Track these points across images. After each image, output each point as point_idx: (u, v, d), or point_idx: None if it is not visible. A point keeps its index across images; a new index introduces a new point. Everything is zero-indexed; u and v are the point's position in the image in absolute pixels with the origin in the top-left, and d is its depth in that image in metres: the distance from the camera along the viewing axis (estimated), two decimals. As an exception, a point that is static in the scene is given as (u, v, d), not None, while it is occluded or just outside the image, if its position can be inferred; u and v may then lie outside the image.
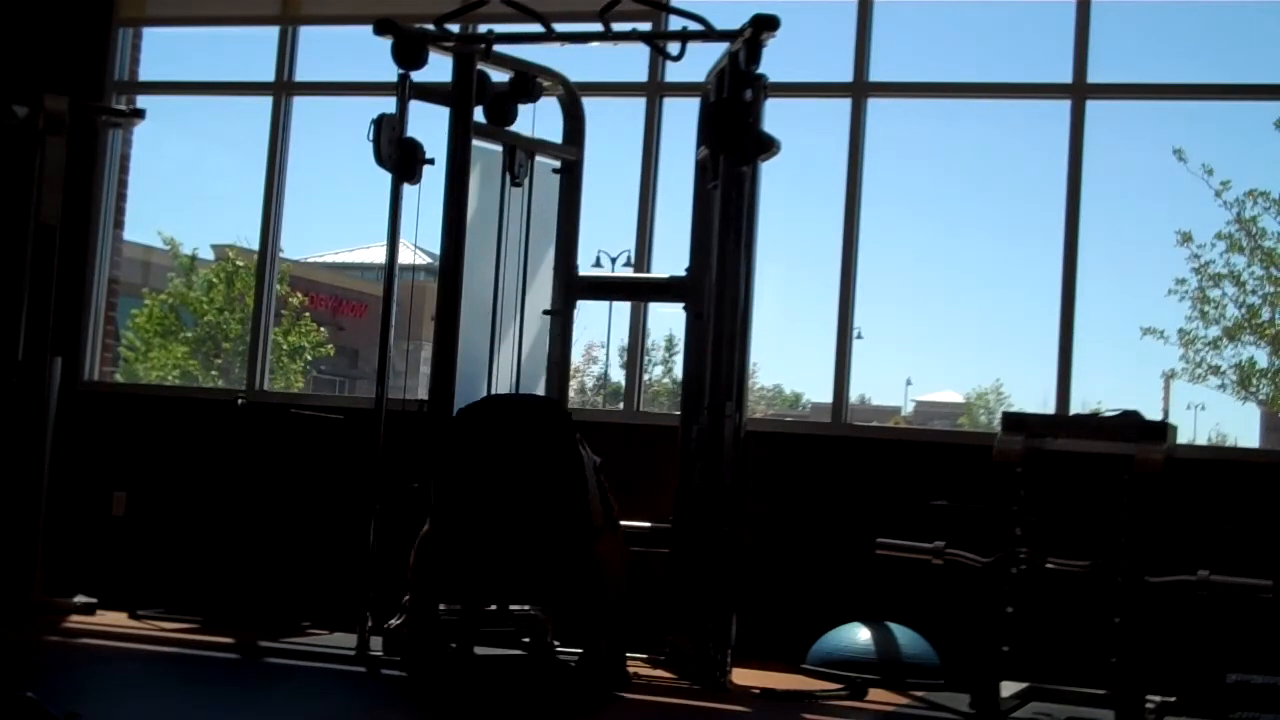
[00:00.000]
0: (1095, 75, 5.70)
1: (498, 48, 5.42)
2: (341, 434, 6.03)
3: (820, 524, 5.67)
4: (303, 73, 6.66)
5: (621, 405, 6.14)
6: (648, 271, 6.05)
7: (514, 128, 5.56)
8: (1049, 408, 5.74)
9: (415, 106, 5.32)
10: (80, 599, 5.83)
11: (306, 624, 5.77)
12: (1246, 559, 4.89)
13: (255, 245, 6.83)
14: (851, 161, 5.90)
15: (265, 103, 6.63)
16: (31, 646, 4.97)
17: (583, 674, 4.74)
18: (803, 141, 6.75)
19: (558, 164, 5.76)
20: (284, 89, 6.61)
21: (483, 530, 4.72)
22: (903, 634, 5.21)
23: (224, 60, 7.58)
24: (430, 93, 5.39)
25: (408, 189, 5.30)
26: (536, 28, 5.38)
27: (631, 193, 6.12)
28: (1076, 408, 5.66)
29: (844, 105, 5.95)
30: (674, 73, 5.97)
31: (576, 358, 5.44)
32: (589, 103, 5.83)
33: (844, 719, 4.48)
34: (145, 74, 7.07)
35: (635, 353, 6.20)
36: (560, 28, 5.42)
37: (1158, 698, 4.59)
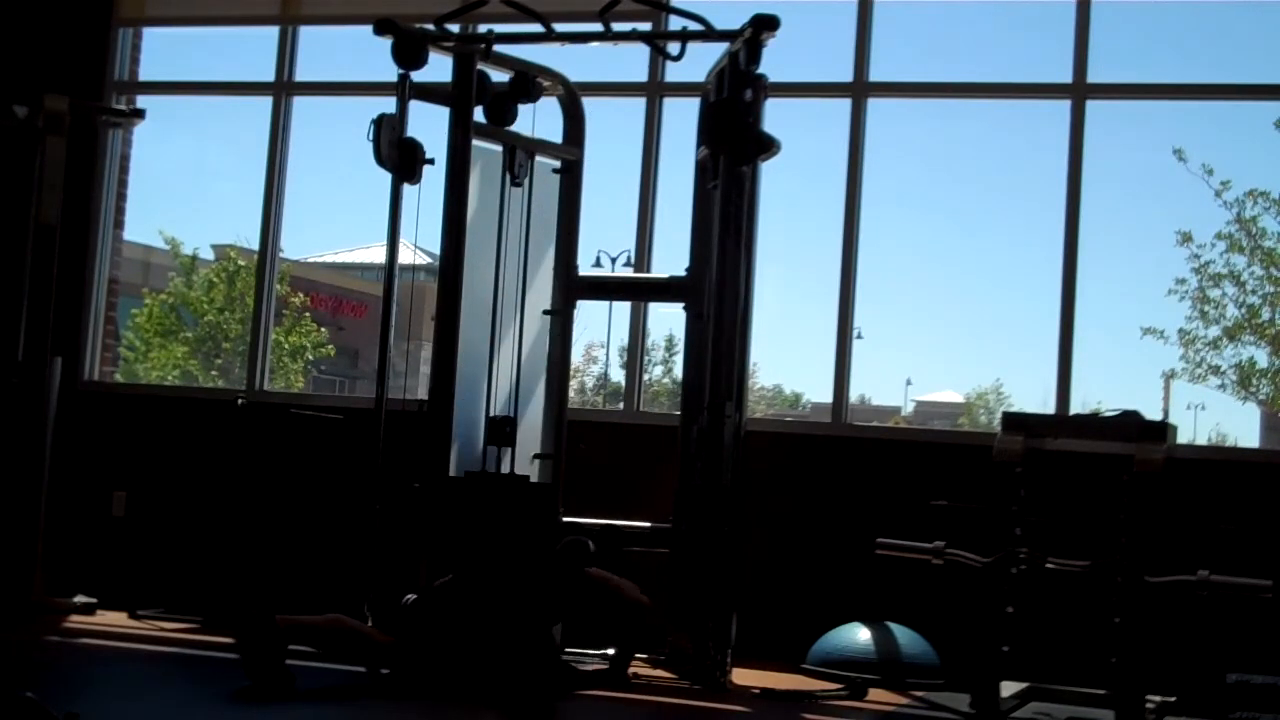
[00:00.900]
0: (1095, 75, 5.70)
1: (498, 48, 5.42)
2: (341, 434, 6.02)
3: (820, 524, 5.67)
4: (303, 73, 6.66)
5: (621, 405, 6.15)
6: (648, 271, 6.05)
7: (514, 128, 5.56)
8: (1049, 408, 5.74)
9: (415, 106, 5.32)
10: (80, 599, 5.84)
11: (306, 624, 5.77)
12: (1246, 559, 4.89)
13: (255, 245, 6.84)
14: (851, 161, 5.90)
15: (265, 103, 6.63)
16: (31, 646, 4.97)
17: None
18: (803, 141, 6.75)
19: (558, 164, 5.76)
20: (284, 89, 6.61)
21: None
22: (903, 634, 5.21)
23: (224, 60, 7.58)
24: (430, 93, 5.39)
25: (408, 189, 5.30)
26: (536, 28, 5.38)
27: (631, 193, 6.12)
28: (1076, 408, 5.66)
29: (844, 105, 5.95)
30: (674, 73, 5.97)
31: (576, 358, 5.45)
32: (589, 103, 5.82)
33: (844, 719, 4.48)
34: (145, 74, 7.07)
35: (635, 353, 6.20)
36: (560, 28, 5.42)
37: (1158, 698, 4.59)
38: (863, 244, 5.89)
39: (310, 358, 18.30)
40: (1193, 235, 13.42)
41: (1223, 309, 13.62)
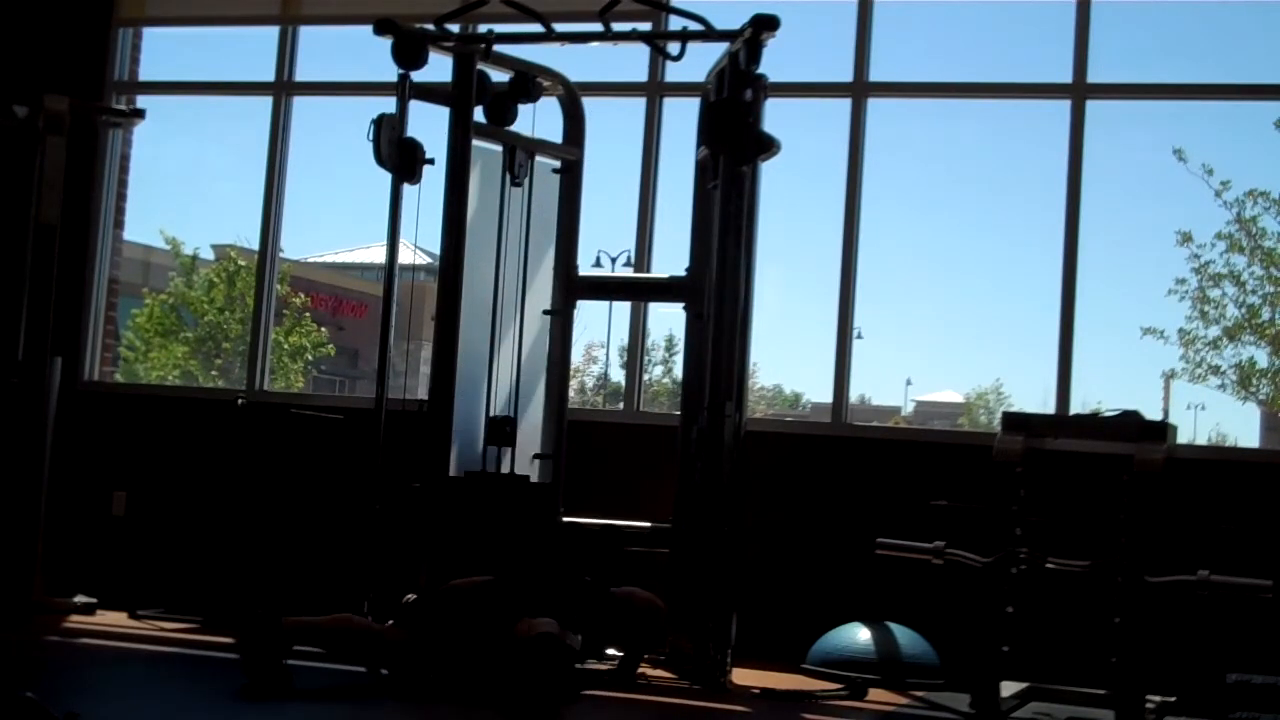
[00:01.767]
0: (1095, 75, 5.70)
1: (498, 48, 5.42)
2: (341, 434, 6.02)
3: (820, 524, 5.67)
4: (303, 73, 6.66)
5: (621, 405, 6.15)
6: (648, 271, 6.06)
7: (514, 128, 5.56)
8: (1049, 408, 5.74)
9: (415, 106, 5.32)
10: (80, 599, 5.83)
11: (306, 624, 5.77)
12: (1246, 559, 4.89)
13: (255, 245, 6.84)
14: (851, 161, 5.90)
15: (265, 103, 6.63)
16: (31, 646, 4.97)
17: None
18: (803, 141, 6.76)
19: (558, 164, 5.76)
20: (284, 89, 6.61)
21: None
22: (903, 634, 5.21)
23: (224, 60, 7.58)
24: (430, 93, 5.39)
25: (408, 189, 5.30)
26: (536, 28, 5.38)
27: (631, 193, 6.12)
28: (1076, 408, 5.66)
29: (844, 105, 5.95)
30: (674, 73, 5.97)
31: (576, 358, 5.45)
32: (589, 103, 5.83)
33: (844, 719, 4.48)
34: (145, 74, 7.07)
35: (635, 353, 6.20)
36: (560, 28, 5.42)
37: (1158, 698, 4.59)
38: (863, 244, 5.90)
39: (310, 358, 18.30)
40: (1193, 235, 13.42)
41: (1223, 309, 13.62)
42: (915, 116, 12.88)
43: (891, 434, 7.34)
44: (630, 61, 6.12)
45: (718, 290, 5.01)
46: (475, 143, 5.38)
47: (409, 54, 5.27)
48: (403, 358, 6.73)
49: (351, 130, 5.99)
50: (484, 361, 5.53)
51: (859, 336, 6.04)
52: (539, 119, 5.67)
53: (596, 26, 5.26)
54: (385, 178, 5.28)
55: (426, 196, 5.35)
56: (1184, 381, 14.14)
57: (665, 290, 5.64)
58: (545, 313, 5.72)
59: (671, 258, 7.40)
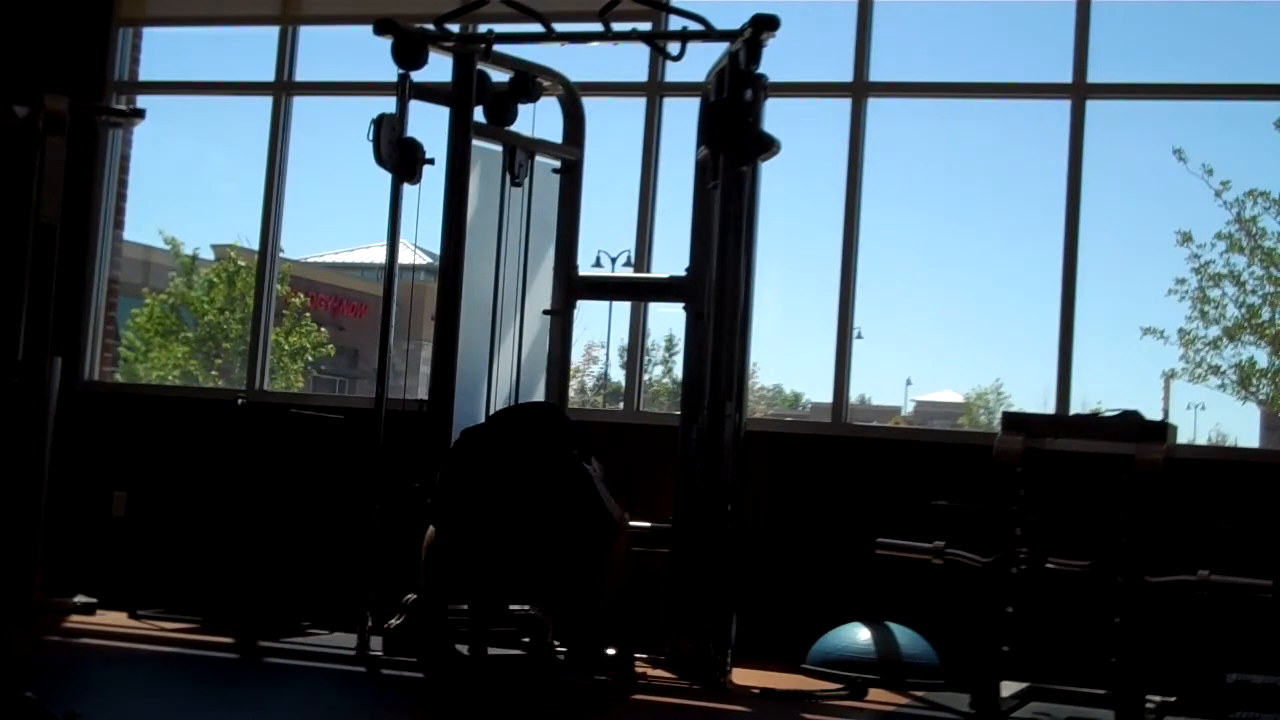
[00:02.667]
0: (1095, 75, 5.70)
1: (498, 48, 5.42)
2: (341, 434, 6.02)
3: (820, 524, 5.67)
4: (303, 73, 6.66)
5: (621, 405, 6.15)
6: (648, 271, 6.06)
7: (514, 128, 5.56)
8: (1049, 408, 5.74)
9: (415, 106, 5.32)
10: (80, 599, 5.83)
11: (306, 624, 5.77)
12: (1246, 559, 4.89)
13: (255, 245, 6.84)
14: (851, 161, 5.90)
15: (265, 103, 6.63)
16: (31, 646, 4.97)
17: (589, 670, 4.79)
18: (803, 141, 6.75)
19: (558, 164, 5.76)
20: (284, 89, 6.61)
21: (494, 533, 4.69)
22: (903, 634, 5.21)
23: (224, 60, 7.58)
24: (430, 93, 5.39)
25: (408, 189, 5.30)
26: (536, 28, 5.38)
27: (631, 193, 6.12)
28: (1076, 408, 5.66)
29: (844, 105, 5.94)
30: (674, 73, 5.97)
31: (576, 358, 5.45)
32: (589, 103, 5.83)
33: (844, 719, 4.48)
34: (145, 74, 7.07)
35: (635, 353, 6.20)
36: (560, 28, 5.42)
37: (1158, 698, 4.59)
38: (863, 244, 5.89)
39: (310, 358, 18.30)
40: (1193, 235, 13.44)
41: (1223, 309, 13.63)
42: (915, 116, 12.89)
43: (891, 434, 7.34)
44: (630, 61, 6.12)
45: (718, 290, 5.01)
46: (475, 143, 5.38)
47: (409, 54, 5.27)
48: (403, 358, 6.73)
49: (351, 130, 5.99)
50: (484, 361, 5.53)
51: (859, 336, 6.04)
52: (539, 119, 5.68)
53: (596, 26, 5.26)
54: (385, 178, 5.28)
55: (426, 196, 5.36)
56: (1184, 381, 14.16)
57: (665, 290, 5.64)
58: (545, 313, 5.72)
59: (671, 258, 7.40)
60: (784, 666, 5.24)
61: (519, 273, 5.62)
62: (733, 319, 4.98)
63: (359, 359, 22.22)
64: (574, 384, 6.18)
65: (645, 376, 6.69)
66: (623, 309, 6.07)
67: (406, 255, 5.93)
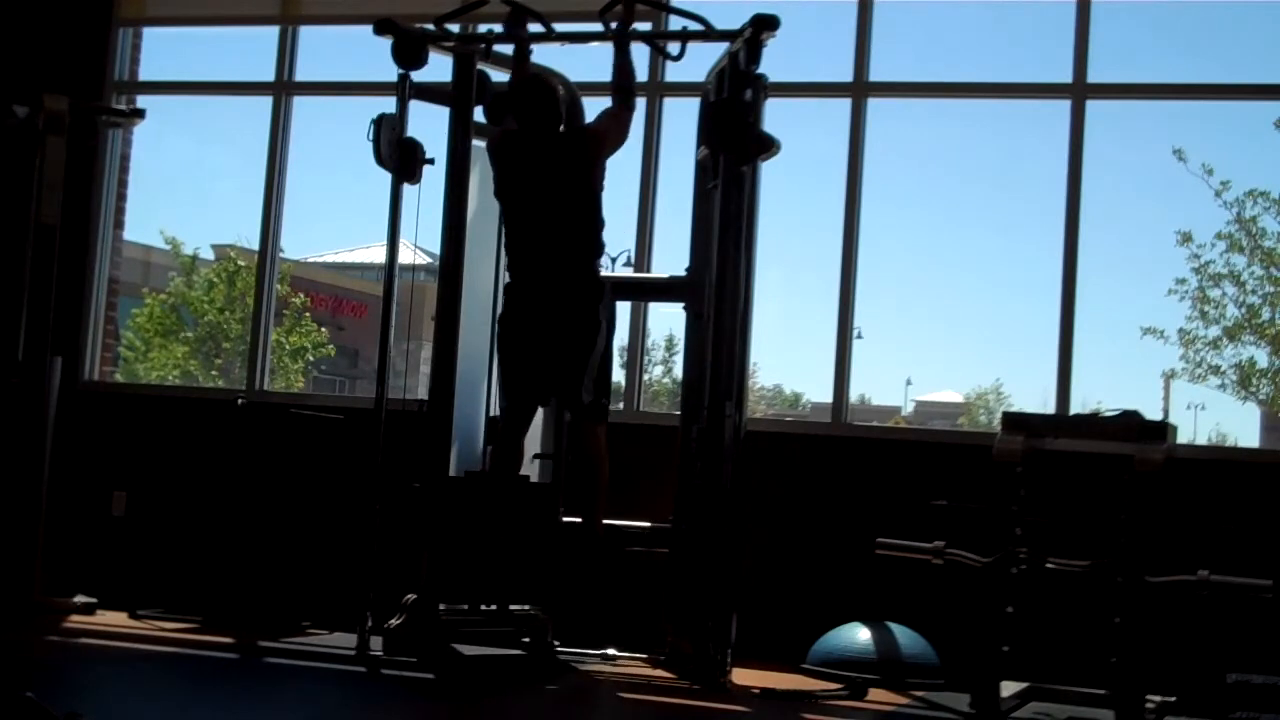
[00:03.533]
0: (1095, 75, 5.70)
1: (498, 48, 5.42)
2: (341, 434, 6.03)
3: (820, 524, 5.67)
4: (303, 73, 6.66)
5: (621, 405, 6.14)
6: (648, 271, 6.05)
7: (514, 128, 5.55)
8: (1049, 408, 5.74)
9: (415, 106, 5.32)
10: (80, 599, 5.83)
11: (306, 624, 5.77)
12: (1247, 559, 4.89)
13: (255, 245, 6.84)
14: (851, 161, 5.90)
15: (265, 103, 6.63)
16: (31, 646, 4.97)
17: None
18: (803, 141, 6.76)
19: (558, 164, 5.75)
20: (284, 89, 6.61)
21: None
22: (903, 634, 5.21)
23: (224, 60, 7.59)
24: (430, 93, 5.39)
25: (408, 189, 5.30)
26: (536, 28, 5.38)
27: (631, 193, 6.12)
28: (1076, 408, 5.66)
29: (844, 105, 5.94)
30: (674, 73, 5.97)
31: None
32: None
33: (844, 719, 4.48)
34: (145, 74, 7.06)
35: (635, 353, 6.20)
36: (560, 28, 5.42)
37: (1158, 698, 4.58)
38: (863, 244, 5.89)
39: (310, 358, 18.31)
40: (1193, 235, 13.47)
41: (1223, 309, 13.65)
42: (915, 116, 12.91)
43: (891, 434, 7.34)
44: (630, 61, 6.11)
45: (718, 290, 5.01)
46: (475, 143, 5.38)
47: (409, 54, 5.27)
48: (403, 358, 6.73)
49: (351, 130, 6.00)
50: (484, 361, 5.53)
51: (859, 336, 6.04)
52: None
53: (596, 26, 5.26)
54: (385, 178, 5.28)
55: (426, 196, 5.36)
56: (1184, 381, 14.18)
57: (665, 290, 5.64)
58: (545, 313, 5.71)
59: (671, 258, 7.41)
60: (784, 666, 5.24)
61: (519, 273, 5.61)
62: (733, 319, 4.98)
63: (359, 359, 22.24)
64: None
65: (645, 376, 6.68)
66: (623, 309, 6.06)
67: (406, 255, 5.93)
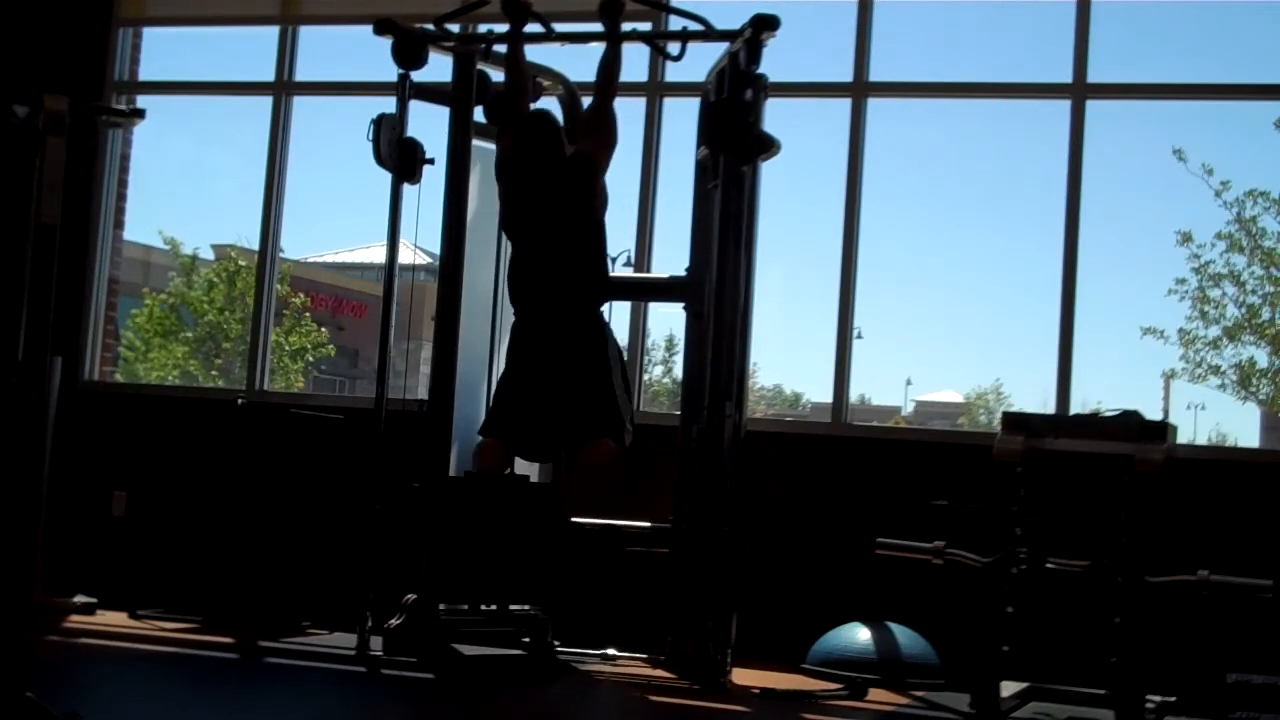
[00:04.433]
0: (1095, 75, 5.70)
1: (498, 48, 5.42)
2: (341, 434, 6.03)
3: (820, 524, 5.67)
4: (303, 73, 6.66)
5: (622, 405, 6.13)
6: (648, 271, 6.05)
7: (514, 128, 5.55)
8: (1049, 408, 5.74)
9: (415, 106, 5.32)
10: (80, 599, 5.83)
11: (306, 624, 5.77)
12: (1247, 559, 4.89)
13: (255, 245, 6.84)
14: (851, 161, 5.90)
15: (265, 103, 6.63)
16: (31, 646, 4.97)
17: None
18: (803, 141, 6.76)
19: (558, 164, 5.75)
20: (284, 89, 6.61)
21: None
22: (903, 634, 5.21)
23: (224, 60, 7.59)
24: (430, 93, 5.39)
25: (408, 189, 5.30)
26: (536, 28, 5.38)
27: (631, 193, 6.12)
28: (1076, 408, 5.66)
29: (844, 105, 5.94)
30: (674, 73, 5.97)
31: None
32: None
33: (844, 719, 4.48)
34: (145, 74, 7.07)
35: (635, 353, 6.20)
36: (560, 28, 5.42)
37: (1158, 698, 4.59)
38: (863, 244, 5.89)
39: (310, 358, 18.31)
40: (1193, 235, 13.47)
41: (1223, 309, 13.65)
42: (915, 116, 12.90)
43: (891, 434, 7.34)
44: (630, 61, 6.10)
45: (718, 290, 5.01)
46: (475, 143, 5.38)
47: (409, 54, 5.27)
48: (403, 358, 6.73)
49: (351, 130, 5.99)
50: (484, 361, 5.53)
51: (859, 336, 6.04)
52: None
53: (596, 26, 5.26)
54: (385, 178, 5.28)
55: (426, 196, 5.36)
56: (1184, 381, 14.19)
57: (665, 290, 5.64)
58: (545, 313, 5.71)
59: (671, 258, 7.41)
60: (784, 666, 5.24)
61: (519, 273, 5.60)
62: (733, 319, 4.98)
63: (359, 359, 22.24)
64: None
65: (645, 376, 6.68)
66: (623, 309, 6.07)
67: (406, 255, 5.93)
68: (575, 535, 5.27)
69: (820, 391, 9.79)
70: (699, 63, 5.41)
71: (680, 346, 6.41)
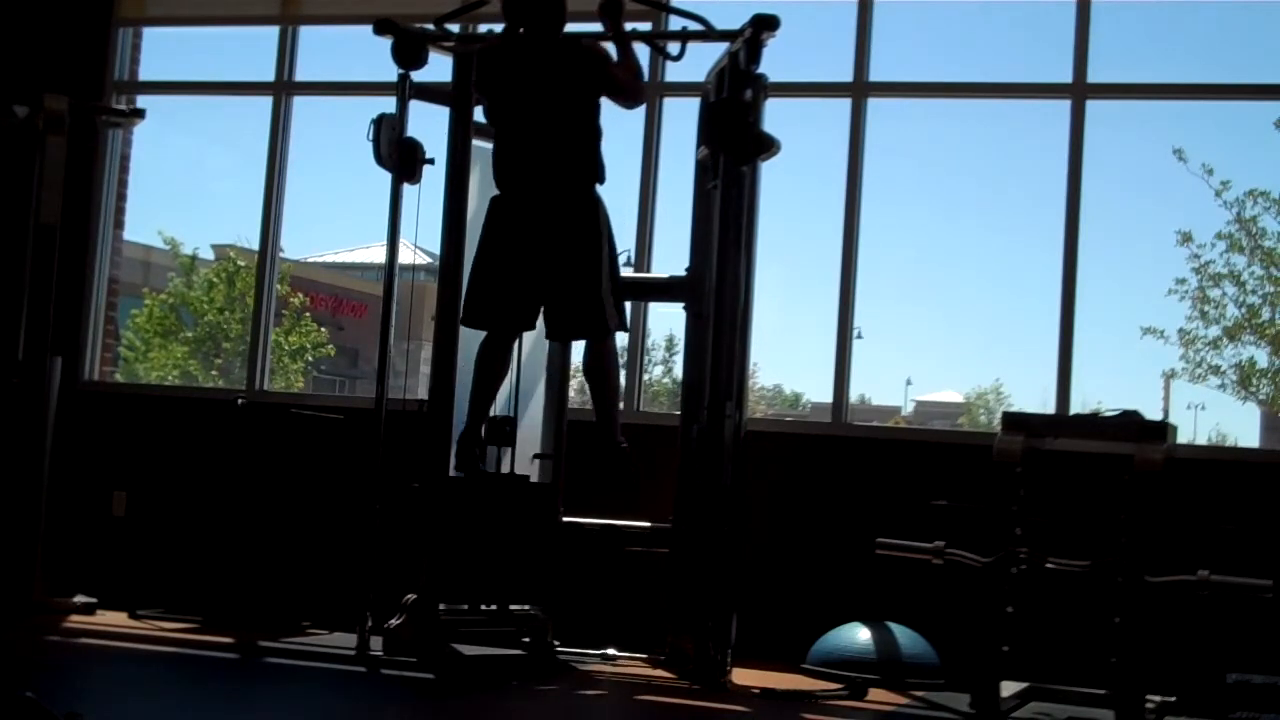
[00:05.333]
0: (1095, 75, 5.70)
1: (498, 48, 5.41)
2: (341, 434, 6.03)
3: (820, 524, 5.67)
4: (303, 73, 6.66)
5: (622, 405, 6.13)
6: (648, 271, 6.05)
7: (514, 128, 5.54)
8: (1049, 408, 5.74)
9: (415, 106, 5.32)
10: (80, 599, 5.83)
11: (306, 624, 5.78)
12: (1247, 559, 4.89)
13: (255, 245, 6.84)
14: (851, 161, 5.90)
15: (265, 103, 6.63)
16: (31, 646, 4.97)
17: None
18: (803, 141, 6.75)
19: (558, 164, 5.75)
20: (284, 89, 6.61)
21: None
22: (903, 634, 5.21)
23: (224, 60, 7.58)
24: (430, 93, 5.39)
25: (408, 189, 5.30)
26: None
27: (631, 193, 6.12)
28: (1076, 408, 5.66)
29: (844, 105, 5.94)
30: (674, 73, 5.97)
31: (576, 358, 5.44)
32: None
33: (844, 719, 4.48)
34: (145, 74, 7.07)
35: (635, 353, 6.20)
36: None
37: (1158, 698, 4.59)
38: (863, 244, 5.89)
39: (310, 358, 18.30)
40: (1193, 235, 13.46)
41: (1223, 309, 13.64)
42: (915, 116, 12.88)
43: (891, 434, 7.34)
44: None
45: (718, 290, 5.01)
46: (475, 143, 5.38)
47: (409, 54, 5.27)
48: (403, 358, 6.72)
49: (351, 130, 5.99)
50: (484, 361, 5.52)
51: (859, 336, 6.04)
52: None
53: (596, 27, 5.26)
54: (385, 178, 5.28)
55: (426, 196, 5.36)
56: (1184, 381, 14.17)
57: (665, 290, 5.64)
58: (545, 313, 5.71)
59: (671, 258, 7.41)
60: (784, 666, 5.24)
61: (519, 273, 5.60)
62: (733, 319, 4.98)
63: (359, 359, 22.22)
64: (574, 384, 6.18)
65: (645, 376, 6.68)
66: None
67: (406, 255, 5.93)
68: (575, 535, 5.28)
69: (820, 391, 9.79)
70: (699, 63, 5.41)
71: (680, 346, 6.42)
